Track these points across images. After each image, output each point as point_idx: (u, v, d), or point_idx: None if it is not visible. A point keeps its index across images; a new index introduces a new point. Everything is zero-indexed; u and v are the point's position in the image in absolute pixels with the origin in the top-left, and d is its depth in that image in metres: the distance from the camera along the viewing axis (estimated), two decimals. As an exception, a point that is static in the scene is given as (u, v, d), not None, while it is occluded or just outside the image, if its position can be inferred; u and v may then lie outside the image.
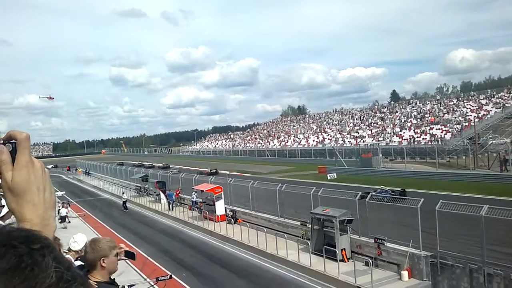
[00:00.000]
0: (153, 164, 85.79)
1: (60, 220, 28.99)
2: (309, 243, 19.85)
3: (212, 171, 60.67)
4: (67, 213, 31.28)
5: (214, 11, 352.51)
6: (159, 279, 8.64)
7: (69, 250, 5.57)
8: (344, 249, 18.86)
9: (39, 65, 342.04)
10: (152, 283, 10.30)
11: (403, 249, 17.00)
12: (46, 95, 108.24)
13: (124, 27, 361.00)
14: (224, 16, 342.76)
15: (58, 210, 29.37)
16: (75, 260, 4.62)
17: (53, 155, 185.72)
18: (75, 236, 5.72)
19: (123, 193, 42.15)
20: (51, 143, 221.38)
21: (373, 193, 24.04)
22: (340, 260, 17.94)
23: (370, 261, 16.43)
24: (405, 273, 16.41)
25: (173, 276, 14.46)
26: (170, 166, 79.07)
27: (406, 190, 31.66)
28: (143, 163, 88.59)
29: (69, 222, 30.99)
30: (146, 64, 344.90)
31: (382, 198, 23.60)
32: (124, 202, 39.18)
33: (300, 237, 21.75)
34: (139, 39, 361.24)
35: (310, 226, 20.96)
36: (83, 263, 3.63)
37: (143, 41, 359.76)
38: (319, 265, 18.05)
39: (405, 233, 17.90)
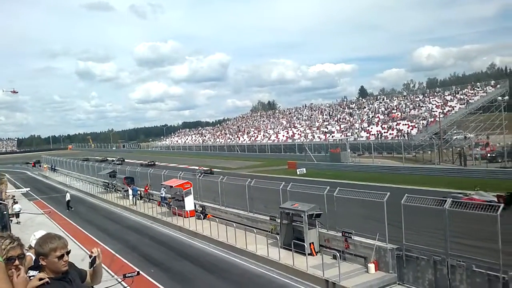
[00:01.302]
0: (107, 157, 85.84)
1: (13, 216, 28.13)
2: (278, 237, 19.90)
3: (150, 163, 68.39)
4: (20, 209, 30.39)
5: (184, 5, 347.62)
6: (127, 275, 8.48)
7: (30, 247, 5.42)
8: (313, 243, 19.04)
9: (3, 59, 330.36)
10: (120, 280, 10.14)
11: (370, 242, 17.25)
12: (10, 88, 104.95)
13: (92, 21, 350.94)
14: (193, 10, 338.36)
15: (10, 206, 28.63)
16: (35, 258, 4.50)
17: (18, 150, 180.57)
18: (36, 233, 5.57)
19: (67, 192, 41.59)
20: (15, 139, 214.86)
21: (203, 173, 41.50)
22: (309, 254, 18.11)
23: (338, 254, 16.62)
24: (371, 266, 16.67)
25: (140, 272, 14.32)
26: (126, 160, 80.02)
27: (213, 170, 52.72)
28: (88, 157, 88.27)
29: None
30: (114, 58, 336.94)
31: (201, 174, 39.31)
32: (68, 202, 38.00)
33: (269, 231, 21.84)
34: (107, 32, 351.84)
35: (279, 220, 21.05)
36: None
37: (111, 34, 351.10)
38: (288, 259, 18.16)
39: (372, 226, 18.11)
